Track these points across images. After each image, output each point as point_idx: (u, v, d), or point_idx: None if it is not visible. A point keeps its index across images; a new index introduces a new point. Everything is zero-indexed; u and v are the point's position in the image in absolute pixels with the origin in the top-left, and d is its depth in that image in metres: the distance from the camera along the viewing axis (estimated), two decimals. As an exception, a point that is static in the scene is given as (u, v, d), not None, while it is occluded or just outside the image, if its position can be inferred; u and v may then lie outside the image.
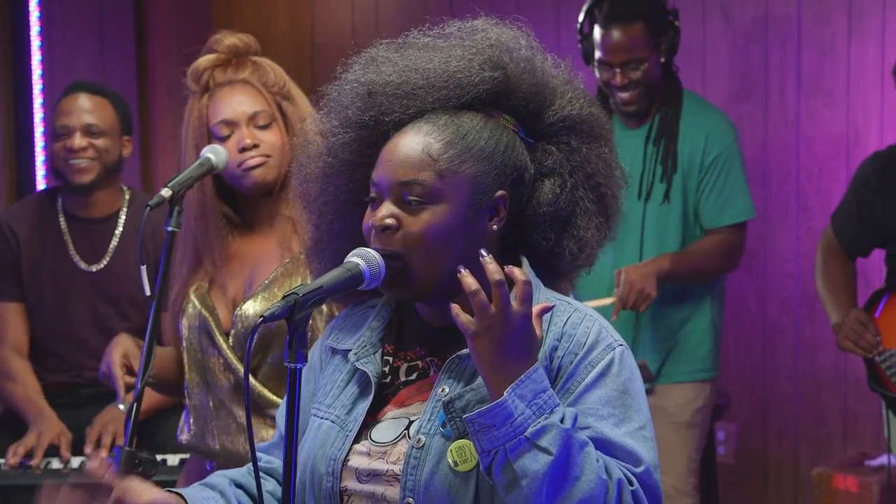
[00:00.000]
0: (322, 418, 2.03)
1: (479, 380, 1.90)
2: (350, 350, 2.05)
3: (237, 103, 2.77)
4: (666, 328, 3.97)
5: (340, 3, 5.59)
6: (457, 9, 5.27)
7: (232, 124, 2.76)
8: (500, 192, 1.95)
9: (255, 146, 2.74)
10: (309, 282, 1.90)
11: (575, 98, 2.04)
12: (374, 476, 1.94)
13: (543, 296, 2.00)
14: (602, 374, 1.91)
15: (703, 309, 4.00)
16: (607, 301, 3.79)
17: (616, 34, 3.85)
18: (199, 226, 2.81)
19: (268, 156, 2.75)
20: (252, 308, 2.72)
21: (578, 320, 1.96)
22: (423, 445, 1.91)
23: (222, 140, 2.76)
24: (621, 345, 1.96)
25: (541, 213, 1.99)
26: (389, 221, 1.92)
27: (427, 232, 1.91)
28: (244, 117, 2.76)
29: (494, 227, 1.96)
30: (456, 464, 1.88)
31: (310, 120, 2.14)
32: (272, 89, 2.80)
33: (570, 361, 1.91)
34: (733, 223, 3.97)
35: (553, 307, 1.93)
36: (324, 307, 2.68)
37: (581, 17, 4.00)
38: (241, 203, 2.85)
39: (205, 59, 2.83)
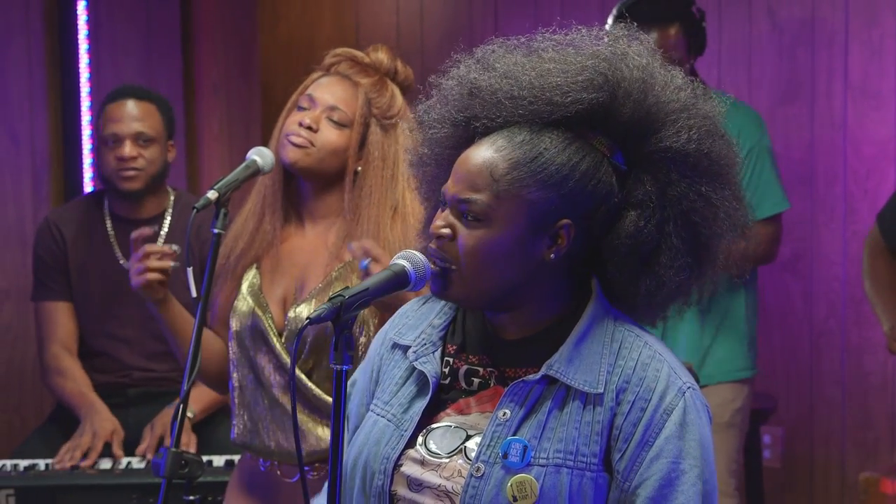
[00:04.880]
0: (378, 415, 2.03)
1: (542, 407, 1.91)
2: (409, 347, 2.04)
3: (329, 91, 2.80)
4: (702, 328, 3.95)
5: (385, 5, 5.60)
6: (501, 12, 5.27)
7: (313, 102, 2.80)
8: (563, 221, 1.90)
9: (310, 129, 2.76)
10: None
11: (686, 128, 1.92)
12: (424, 487, 1.94)
13: (612, 324, 1.97)
14: (679, 425, 1.90)
15: (738, 307, 3.99)
16: None
17: (655, 36, 3.82)
18: (269, 180, 2.84)
19: (312, 144, 2.77)
20: (306, 311, 2.72)
21: (648, 359, 1.93)
22: (482, 475, 1.90)
23: (300, 110, 2.80)
24: (690, 387, 1.94)
25: (618, 245, 1.93)
26: (444, 231, 1.93)
27: (477, 249, 1.90)
28: (324, 104, 2.79)
29: (552, 255, 1.92)
30: (515, 499, 1.87)
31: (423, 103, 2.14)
32: (373, 108, 2.81)
33: (642, 408, 1.90)
34: (768, 216, 3.97)
35: None
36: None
37: (611, 21, 3.96)
38: (300, 193, 2.86)
39: (347, 49, 2.89)
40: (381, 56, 2.86)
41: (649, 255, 1.94)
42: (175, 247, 2.77)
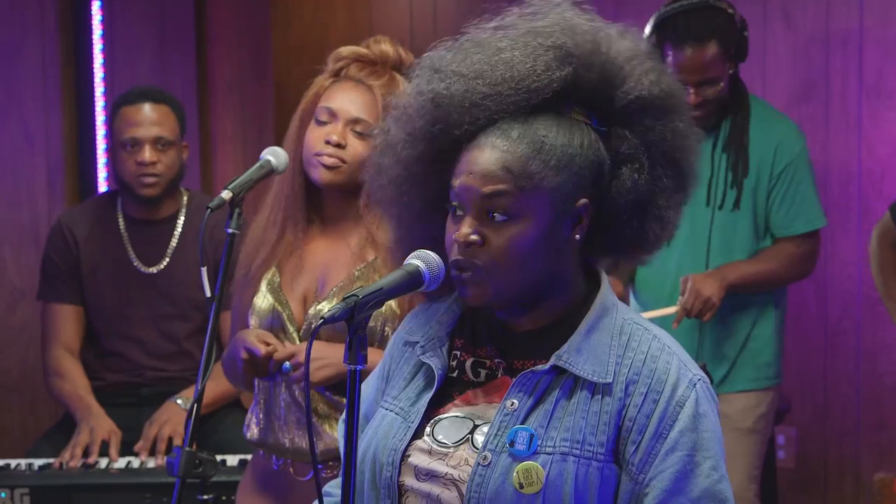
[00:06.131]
0: (387, 409, 2.04)
1: (550, 397, 1.92)
2: (418, 343, 2.06)
3: (349, 101, 2.78)
4: (730, 336, 3.93)
5: (398, 6, 5.60)
6: (515, 11, 5.27)
7: (334, 116, 2.78)
8: (582, 201, 1.93)
9: (339, 146, 2.75)
10: None
11: (644, 74, 1.97)
12: (431, 476, 1.95)
13: (620, 317, 1.99)
14: (693, 417, 1.91)
15: (767, 316, 3.96)
16: (670, 310, 3.76)
17: (690, 53, 3.76)
18: (288, 190, 2.83)
19: (344, 161, 2.76)
20: (327, 308, 2.72)
21: (658, 352, 1.95)
22: (488, 463, 1.91)
23: (319, 124, 2.78)
24: (700, 378, 1.96)
25: (622, 202, 1.96)
26: (474, 238, 1.91)
27: (512, 247, 1.90)
28: (347, 116, 2.77)
29: (577, 235, 1.95)
30: (522, 486, 1.88)
31: (377, 127, 2.14)
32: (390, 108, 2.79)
33: (655, 400, 1.91)
34: (804, 232, 3.93)
35: None
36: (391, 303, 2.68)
37: (648, 30, 3.90)
38: (320, 199, 2.86)
39: (351, 48, 2.85)
40: (385, 48, 2.84)
41: (648, 202, 1.98)
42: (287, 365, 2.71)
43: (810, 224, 3.92)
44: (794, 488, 4.95)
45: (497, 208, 1.91)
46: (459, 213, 1.94)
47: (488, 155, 1.91)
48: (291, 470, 2.80)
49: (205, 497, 2.52)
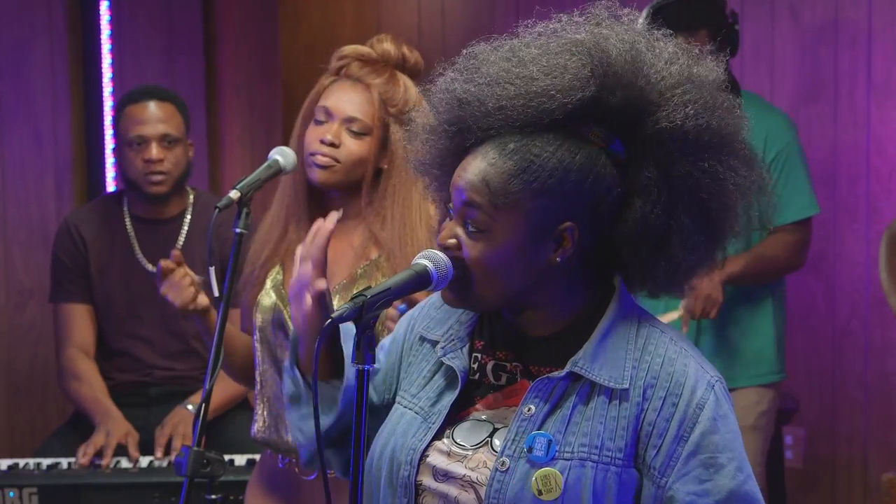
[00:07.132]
0: (406, 407, 2.04)
1: (566, 403, 1.92)
2: (438, 342, 2.05)
3: (345, 101, 2.78)
4: (728, 332, 3.94)
5: (407, 5, 5.60)
6: (523, 11, 5.26)
7: (330, 115, 2.77)
8: (566, 224, 1.89)
9: (332, 145, 2.75)
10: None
11: (682, 105, 1.89)
12: (449, 478, 1.95)
13: (637, 321, 1.97)
14: (713, 419, 1.90)
15: (766, 311, 3.97)
16: (674, 315, 3.77)
17: (682, 41, 3.79)
18: (291, 189, 2.84)
19: (338, 161, 2.75)
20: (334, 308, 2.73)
21: (675, 355, 1.93)
22: (507, 469, 1.90)
23: (317, 123, 2.78)
24: (718, 380, 1.95)
25: (628, 233, 1.92)
26: (450, 242, 1.93)
27: (482, 259, 1.91)
28: (342, 116, 2.77)
29: (558, 258, 1.91)
30: (540, 492, 1.88)
31: (416, 112, 2.13)
32: (389, 107, 2.78)
33: (674, 403, 1.90)
34: (797, 220, 3.94)
35: None
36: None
37: (641, 20, 3.90)
38: (323, 197, 2.86)
39: (353, 47, 2.85)
40: (387, 47, 2.83)
41: (661, 239, 1.92)
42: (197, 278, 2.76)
43: (801, 212, 3.94)
44: (803, 488, 4.94)
45: (471, 219, 1.91)
46: (451, 213, 1.96)
47: (476, 164, 1.91)
48: (297, 469, 2.80)
49: (213, 497, 2.53)
